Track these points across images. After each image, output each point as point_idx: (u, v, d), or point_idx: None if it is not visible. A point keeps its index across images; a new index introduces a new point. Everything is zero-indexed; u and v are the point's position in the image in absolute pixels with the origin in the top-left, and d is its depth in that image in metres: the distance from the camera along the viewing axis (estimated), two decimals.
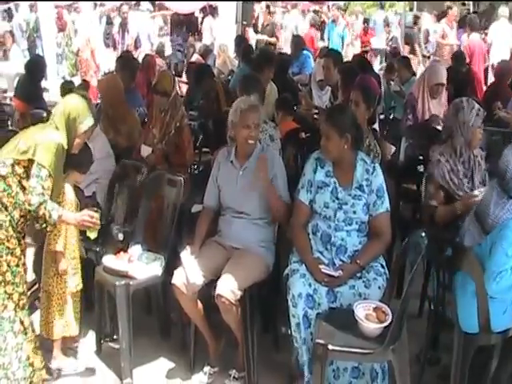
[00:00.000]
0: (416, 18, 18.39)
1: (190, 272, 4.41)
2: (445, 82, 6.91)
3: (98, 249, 5.08)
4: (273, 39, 14.91)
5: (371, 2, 26.74)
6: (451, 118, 4.96)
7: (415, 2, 21.37)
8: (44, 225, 4.13)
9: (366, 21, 20.15)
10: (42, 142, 4.06)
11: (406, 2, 20.58)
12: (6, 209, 3.99)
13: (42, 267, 4.62)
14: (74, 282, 4.61)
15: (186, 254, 4.55)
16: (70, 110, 4.30)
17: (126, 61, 8.16)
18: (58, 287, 4.57)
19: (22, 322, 4.10)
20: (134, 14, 14.38)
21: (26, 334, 4.12)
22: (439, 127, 6.68)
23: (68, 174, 4.60)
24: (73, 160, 4.48)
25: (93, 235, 4.41)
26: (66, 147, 4.19)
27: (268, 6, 15.51)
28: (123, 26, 13.76)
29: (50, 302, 4.58)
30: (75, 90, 7.42)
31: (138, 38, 13.98)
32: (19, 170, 4.04)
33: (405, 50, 15.45)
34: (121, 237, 4.99)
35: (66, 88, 8.04)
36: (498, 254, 3.81)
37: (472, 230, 4.16)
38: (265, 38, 14.88)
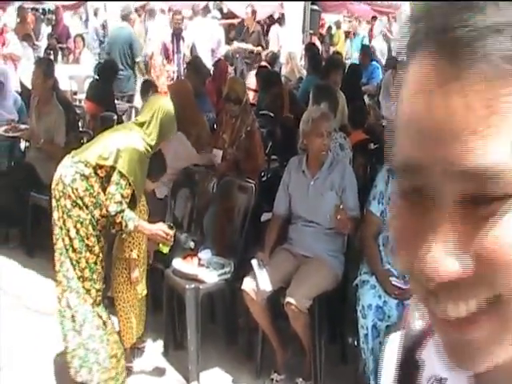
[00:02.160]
0: None
1: (260, 279, 4.43)
2: None
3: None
4: (258, 48, 13.94)
5: None
6: None
7: None
8: (119, 232, 4.20)
9: None
10: (125, 148, 4.10)
11: None
12: (87, 207, 4.07)
13: (111, 273, 4.66)
14: (140, 288, 4.67)
15: (256, 261, 4.57)
16: (165, 111, 4.35)
17: (196, 66, 8.22)
18: (128, 294, 4.62)
19: (100, 317, 4.19)
20: (198, 21, 14.40)
21: (105, 327, 4.21)
22: None
23: None
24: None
25: (165, 249, 4.46)
26: (150, 151, 4.25)
27: (254, 12, 14.53)
28: (177, 35, 13.73)
29: (117, 308, 4.65)
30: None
31: (194, 46, 13.99)
32: (101, 173, 4.11)
33: None
34: (192, 245, 5.00)
35: (148, 87, 8.11)
36: None
37: None
38: (249, 46, 13.88)
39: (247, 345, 4.98)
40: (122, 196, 4.07)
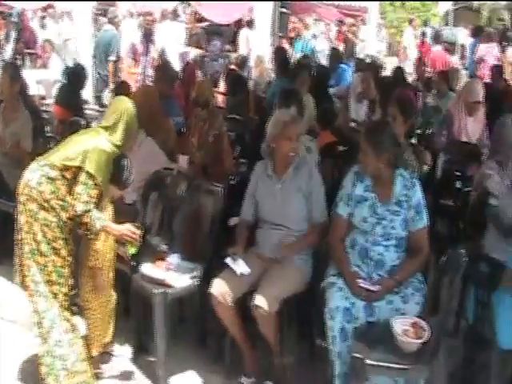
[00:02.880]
0: None
1: (237, 268, 4.49)
2: (481, 99, 6.90)
3: (133, 262, 4.99)
4: (199, 50, 14.24)
5: (407, 17, 26.72)
6: (496, 134, 5.05)
7: (451, 16, 21.38)
8: (86, 232, 4.19)
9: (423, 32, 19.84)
10: (92, 149, 4.14)
11: (442, 17, 20.56)
12: (54, 210, 4.07)
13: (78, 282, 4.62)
14: (107, 295, 4.65)
15: (230, 257, 4.59)
16: (128, 113, 4.40)
17: (165, 69, 8.20)
18: (95, 302, 4.61)
19: (68, 320, 4.17)
20: (167, 25, 14.41)
21: (74, 331, 4.20)
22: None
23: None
24: (112, 174, 4.51)
25: (132, 250, 4.45)
26: (116, 153, 4.26)
27: (195, 13, 14.44)
28: (147, 36, 13.69)
29: (86, 316, 4.63)
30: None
31: (164, 50, 13.97)
32: (68, 175, 4.11)
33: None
34: (164, 248, 5.01)
35: (121, 89, 8.08)
36: None
37: (492, 238, 4.19)
38: (188, 49, 14.11)
39: (216, 348, 4.97)
40: (90, 196, 4.09)
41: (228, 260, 4.58)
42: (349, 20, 20.84)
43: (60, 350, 4.10)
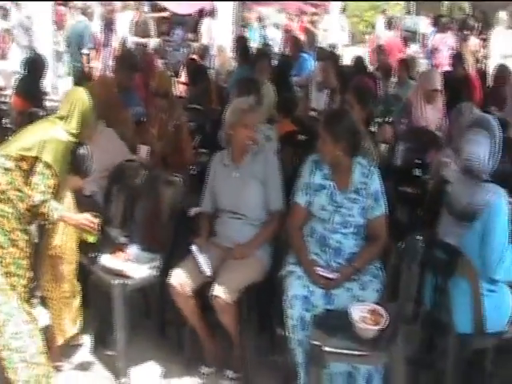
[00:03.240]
0: None
1: (201, 263, 4.46)
2: (439, 87, 6.95)
3: (93, 254, 4.96)
4: (145, 40, 13.60)
5: (368, 5, 26.84)
6: (452, 122, 5.14)
7: (413, 5, 21.47)
8: (44, 222, 4.17)
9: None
10: (49, 139, 4.12)
11: (403, 5, 20.64)
12: (11, 201, 4.04)
13: (40, 272, 4.60)
14: (70, 285, 4.62)
15: (196, 247, 4.58)
16: (82, 103, 4.38)
17: (125, 60, 8.13)
18: (56, 292, 4.59)
19: (27, 312, 4.13)
20: (129, 15, 14.30)
21: (34, 322, 4.16)
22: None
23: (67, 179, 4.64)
24: (71, 164, 4.49)
25: (91, 239, 4.42)
26: (75, 142, 4.24)
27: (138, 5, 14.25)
28: (108, 26, 13.53)
29: (48, 306, 4.61)
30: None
31: (125, 40, 13.86)
32: (25, 166, 4.08)
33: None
34: (123, 240, 4.99)
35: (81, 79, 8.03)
36: (495, 241, 3.98)
37: (446, 223, 4.25)
38: (135, 39, 13.57)
39: (176, 339, 4.97)
40: (47, 186, 4.07)
41: (193, 249, 4.56)
42: (310, 10, 20.91)
43: (16, 343, 4.05)
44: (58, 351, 4.68)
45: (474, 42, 14.41)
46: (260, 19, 18.67)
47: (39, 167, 4.06)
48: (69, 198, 4.63)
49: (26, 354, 4.08)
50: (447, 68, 11.82)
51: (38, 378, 4.11)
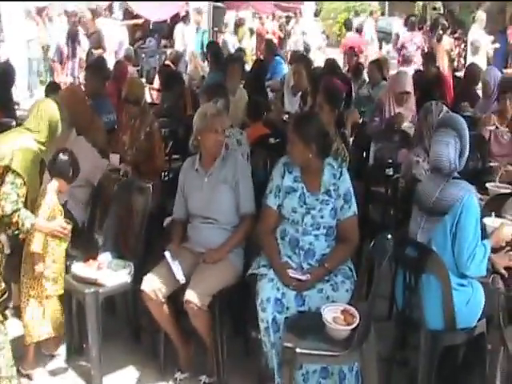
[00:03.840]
0: None
1: (175, 270, 4.45)
2: (409, 89, 7.04)
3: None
4: (99, 51, 13.02)
5: (343, 7, 26.97)
6: (421, 121, 5.18)
7: (386, 7, 21.62)
8: (16, 232, 4.15)
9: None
10: (19, 149, 4.13)
11: (378, 7, 20.77)
12: None
13: (22, 269, 4.60)
14: (53, 287, 4.60)
15: (169, 253, 4.57)
16: (50, 113, 4.41)
17: (95, 68, 8.15)
18: (37, 290, 4.56)
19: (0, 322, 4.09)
20: (103, 22, 14.24)
21: (5, 335, 4.11)
22: (408, 128, 6.80)
23: (51, 180, 4.63)
24: (58, 168, 4.55)
25: (63, 245, 4.46)
26: (43, 151, 4.24)
27: (93, 11, 13.91)
28: (73, 37, 13.38)
29: (23, 304, 4.59)
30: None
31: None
32: None
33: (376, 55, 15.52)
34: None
35: (52, 87, 7.98)
36: (467, 237, 4.00)
37: (416, 220, 4.30)
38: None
39: (151, 345, 4.96)
40: (18, 195, 4.09)
41: (167, 255, 4.56)
42: (278, 13, 21.07)
43: None
44: (30, 359, 4.66)
45: (447, 41, 14.53)
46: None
47: (9, 176, 4.07)
48: (54, 202, 4.58)
49: None
50: (413, 65, 11.97)
51: None
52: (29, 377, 4.56)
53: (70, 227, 4.38)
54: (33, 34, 15.04)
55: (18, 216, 4.07)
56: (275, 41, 17.50)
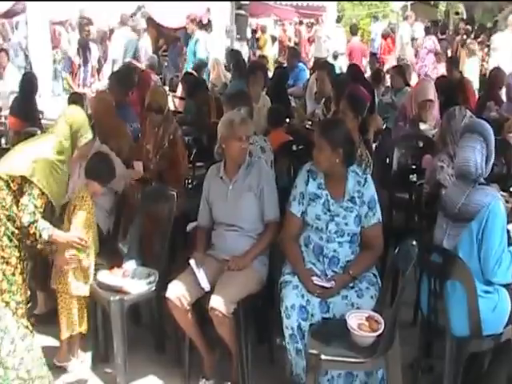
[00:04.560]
0: None
1: (200, 277, 4.48)
2: (432, 97, 7.00)
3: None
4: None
5: (365, 13, 26.93)
6: (445, 126, 5.15)
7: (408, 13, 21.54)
8: (34, 242, 4.16)
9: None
10: (36, 159, 4.11)
11: (400, 12, 20.70)
12: (0, 220, 4.04)
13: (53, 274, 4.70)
14: (80, 287, 4.65)
15: (194, 261, 4.59)
16: (73, 120, 4.38)
17: (120, 76, 8.19)
18: (65, 287, 4.64)
19: (26, 327, 4.14)
20: (124, 31, 14.35)
21: (33, 337, 4.17)
22: (428, 130, 6.79)
23: (87, 184, 4.74)
24: (93, 170, 4.66)
25: (81, 255, 4.49)
26: (61, 160, 4.24)
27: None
28: (84, 47, 13.46)
29: (59, 300, 4.69)
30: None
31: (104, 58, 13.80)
32: (14, 186, 4.09)
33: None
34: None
35: (74, 98, 8.06)
36: (493, 243, 3.97)
37: (442, 226, 4.27)
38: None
39: (175, 352, 4.97)
40: (35, 206, 4.07)
41: (192, 263, 4.57)
42: (295, 20, 21.19)
43: (12, 361, 4.05)
44: (65, 349, 4.77)
45: (472, 46, 14.49)
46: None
47: (27, 187, 4.07)
48: (88, 204, 4.69)
49: (20, 371, 4.07)
50: (424, 68, 11.99)
51: None
52: (64, 368, 4.66)
53: (87, 239, 4.40)
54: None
55: (36, 227, 4.08)
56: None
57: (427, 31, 14.63)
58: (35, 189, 4.06)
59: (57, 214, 4.45)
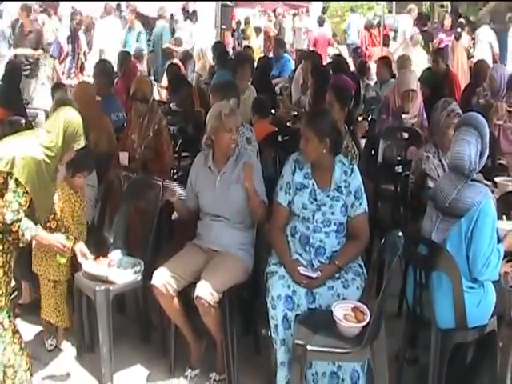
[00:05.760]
0: None
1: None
2: (414, 87, 6.98)
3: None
4: (38, 51, 11.37)
5: (350, 6, 26.91)
6: (432, 118, 5.17)
7: (394, 4, 21.57)
8: (16, 240, 4.09)
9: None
10: (23, 156, 3.95)
11: (385, 4, 20.70)
12: None
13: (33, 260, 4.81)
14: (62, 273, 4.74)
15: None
16: (69, 125, 4.23)
17: (103, 66, 8.15)
18: (47, 270, 4.78)
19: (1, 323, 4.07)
20: (109, 21, 14.29)
21: (15, 332, 4.12)
22: (409, 119, 6.83)
23: (70, 180, 4.79)
24: (76, 164, 4.65)
25: (62, 260, 4.45)
26: (49, 162, 4.14)
27: (27, 8, 11.45)
28: (73, 38, 13.30)
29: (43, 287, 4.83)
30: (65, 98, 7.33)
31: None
32: None
33: (383, 52, 15.47)
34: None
35: (57, 90, 8.00)
36: (481, 244, 3.95)
37: (431, 219, 4.26)
38: (28, 51, 11.29)
39: (161, 342, 4.97)
40: (20, 204, 3.96)
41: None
42: (279, 11, 21.32)
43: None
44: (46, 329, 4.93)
45: (465, 39, 14.58)
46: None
47: (11, 184, 3.94)
48: (80, 197, 4.82)
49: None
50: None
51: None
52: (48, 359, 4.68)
53: (70, 244, 4.34)
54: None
55: (19, 226, 3.99)
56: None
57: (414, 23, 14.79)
58: (20, 187, 3.96)
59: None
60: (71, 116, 4.31)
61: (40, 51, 11.40)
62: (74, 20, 13.40)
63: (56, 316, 4.87)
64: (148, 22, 16.99)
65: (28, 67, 11.08)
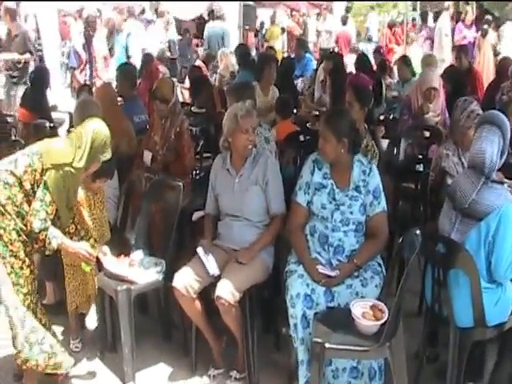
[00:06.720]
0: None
1: (207, 264, 4.53)
2: (437, 85, 6.96)
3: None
4: (25, 56, 10.71)
5: (373, 4, 26.86)
6: (452, 115, 5.19)
7: (418, 2, 21.50)
8: (43, 248, 4.19)
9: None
10: (53, 166, 4.10)
11: (409, 2, 20.63)
12: (10, 215, 4.06)
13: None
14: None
15: (202, 249, 4.64)
16: (97, 137, 4.31)
17: (126, 69, 8.21)
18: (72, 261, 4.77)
19: (42, 313, 4.28)
20: (132, 23, 14.32)
21: (47, 319, 4.33)
22: (432, 118, 6.81)
23: (92, 185, 4.82)
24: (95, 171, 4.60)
25: (87, 268, 4.50)
26: (75, 173, 4.21)
27: (10, 11, 10.77)
28: (89, 43, 13.29)
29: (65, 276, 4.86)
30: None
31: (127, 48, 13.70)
32: (26, 185, 4.10)
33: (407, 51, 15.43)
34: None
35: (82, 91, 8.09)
36: (504, 249, 3.94)
37: (449, 218, 4.25)
38: (14, 55, 10.75)
39: (182, 341, 5.02)
40: (47, 213, 4.08)
41: (199, 251, 4.62)
42: (303, 11, 21.43)
43: (35, 336, 4.16)
44: (73, 324, 5.01)
45: (492, 35, 14.51)
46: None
47: (40, 193, 4.07)
48: (101, 198, 4.90)
49: (44, 345, 4.20)
50: None
51: (58, 364, 4.30)
52: (65, 375, 4.62)
53: (95, 253, 4.44)
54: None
55: (46, 235, 4.10)
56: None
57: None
58: (47, 195, 4.07)
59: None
60: (100, 128, 4.38)
61: (27, 55, 10.82)
62: (88, 27, 13.44)
63: (81, 298, 4.91)
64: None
65: (16, 73, 10.75)
